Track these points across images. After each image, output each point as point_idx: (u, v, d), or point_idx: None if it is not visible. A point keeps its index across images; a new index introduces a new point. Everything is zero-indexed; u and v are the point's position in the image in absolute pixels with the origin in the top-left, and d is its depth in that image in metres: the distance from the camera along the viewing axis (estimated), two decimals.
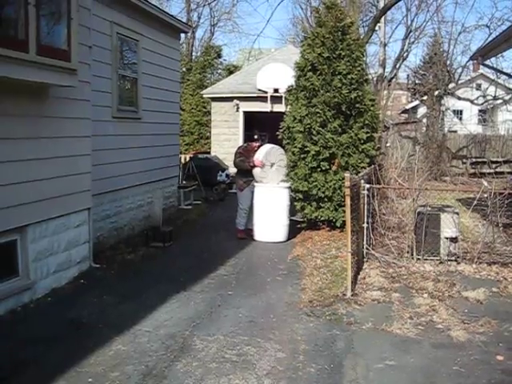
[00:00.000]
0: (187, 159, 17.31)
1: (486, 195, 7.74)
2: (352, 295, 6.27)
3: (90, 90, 7.13)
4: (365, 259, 7.63)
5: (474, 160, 20.74)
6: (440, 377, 4.39)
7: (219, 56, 29.54)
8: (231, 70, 26.76)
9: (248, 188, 9.76)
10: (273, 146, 10.14)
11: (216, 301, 6.23)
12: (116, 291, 6.51)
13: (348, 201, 6.28)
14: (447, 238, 7.57)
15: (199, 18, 34.81)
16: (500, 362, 4.60)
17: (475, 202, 7.90)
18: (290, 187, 9.62)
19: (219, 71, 29.14)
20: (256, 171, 9.63)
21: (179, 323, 5.48)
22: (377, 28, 20.66)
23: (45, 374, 4.32)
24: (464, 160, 20.94)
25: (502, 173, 18.48)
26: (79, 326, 5.40)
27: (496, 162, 20.35)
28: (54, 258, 6.48)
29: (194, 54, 32.70)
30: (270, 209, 9.31)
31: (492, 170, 19.33)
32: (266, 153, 9.78)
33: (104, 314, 5.72)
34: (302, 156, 9.52)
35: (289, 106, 10.10)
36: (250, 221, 9.71)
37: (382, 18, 20.41)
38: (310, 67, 9.53)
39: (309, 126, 9.37)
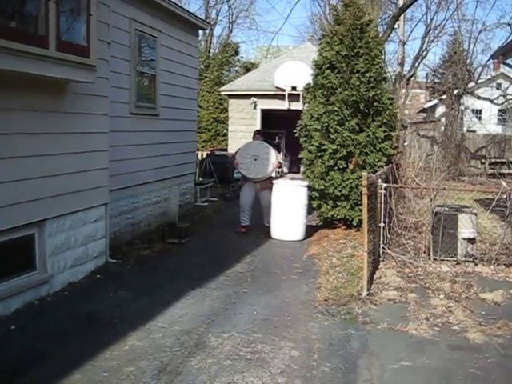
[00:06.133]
0: (204, 156, 17.35)
1: (504, 196, 7.65)
2: (368, 295, 6.24)
3: (108, 86, 7.16)
4: (381, 259, 7.59)
5: (492, 160, 20.54)
6: (456, 379, 4.35)
7: (237, 53, 29.60)
8: (249, 68, 26.79)
9: (247, 186, 10.02)
10: (253, 141, 10.46)
11: (231, 298, 6.24)
12: (132, 286, 6.55)
13: (365, 200, 6.24)
14: (465, 239, 7.50)
15: (217, 15, 34.97)
16: None
17: (494, 203, 7.81)
18: (308, 186, 9.59)
19: (237, 68, 29.20)
20: (239, 170, 10.08)
21: (194, 319, 5.49)
22: (396, 26, 20.51)
23: (61, 367, 4.35)
24: (483, 160, 20.74)
25: None
26: (95, 320, 5.43)
27: None
28: (71, 252, 6.53)
29: (211, 51, 32.79)
30: (287, 207, 9.28)
31: (511, 171, 19.11)
32: (241, 150, 10.16)
33: (119, 309, 5.76)
34: (319, 154, 9.48)
35: (306, 104, 10.07)
36: (266, 217, 9.87)
37: (402, 16, 20.27)
38: (327, 65, 9.49)
39: (326, 124, 9.33)
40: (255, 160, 9.87)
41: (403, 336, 5.17)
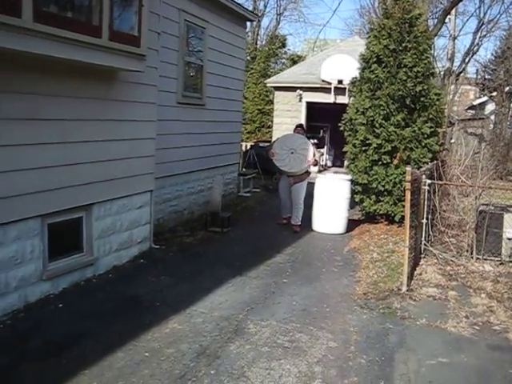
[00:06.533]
0: (248, 147, 17.44)
1: None
2: (407, 290, 6.22)
3: (156, 75, 7.31)
4: (422, 255, 7.53)
5: None
6: (495, 379, 4.32)
7: (284, 45, 29.52)
8: (295, 60, 26.67)
9: (282, 178, 9.81)
10: (293, 134, 10.15)
11: (271, 287, 6.32)
12: (174, 272, 6.70)
13: (408, 195, 6.21)
14: (510, 239, 7.37)
15: (265, 6, 35.03)
16: None
17: None
18: (351, 180, 9.54)
19: (283, 61, 29.11)
20: (274, 160, 9.66)
21: (234, 306, 5.60)
22: (447, 20, 20.13)
23: (104, 345, 4.52)
24: None
25: None
26: (138, 303, 5.61)
27: None
28: (116, 236, 6.73)
29: (258, 42, 32.82)
30: (330, 201, 9.28)
31: None
32: (279, 141, 9.92)
33: (161, 293, 5.92)
34: (364, 148, 9.44)
35: (352, 98, 10.02)
36: (293, 214, 9.68)
37: (453, 10, 19.86)
38: (375, 59, 9.41)
39: (371, 118, 9.28)
40: (291, 153, 9.58)
41: (442, 333, 5.15)
